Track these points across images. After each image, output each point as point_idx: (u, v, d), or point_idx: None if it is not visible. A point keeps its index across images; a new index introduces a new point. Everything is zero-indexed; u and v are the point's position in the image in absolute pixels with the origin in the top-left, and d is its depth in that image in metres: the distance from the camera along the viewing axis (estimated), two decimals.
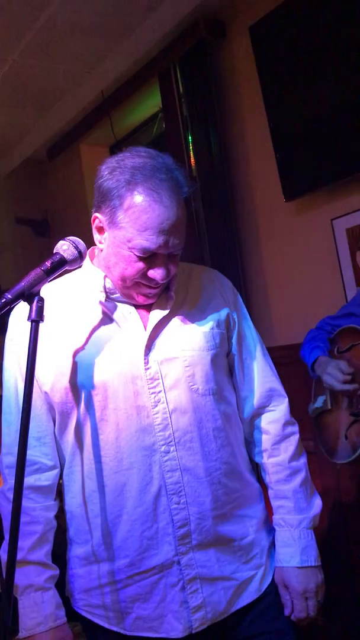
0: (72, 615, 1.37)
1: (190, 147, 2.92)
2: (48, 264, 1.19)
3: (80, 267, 1.31)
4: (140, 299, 1.31)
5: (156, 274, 1.25)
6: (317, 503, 1.42)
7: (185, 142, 2.95)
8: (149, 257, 1.24)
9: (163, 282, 1.28)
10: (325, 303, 2.52)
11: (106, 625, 1.31)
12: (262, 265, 2.79)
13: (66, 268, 1.24)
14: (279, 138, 2.53)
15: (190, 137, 2.92)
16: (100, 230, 1.28)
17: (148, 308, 1.34)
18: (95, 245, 1.34)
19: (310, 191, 2.47)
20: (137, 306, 1.34)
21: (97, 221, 1.28)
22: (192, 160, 2.90)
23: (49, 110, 3.57)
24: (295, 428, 1.46)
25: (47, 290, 1.33)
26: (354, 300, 2.05)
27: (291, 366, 2.60)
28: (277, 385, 1.47)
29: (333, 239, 2.43)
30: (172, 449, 1.29)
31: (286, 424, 1.45)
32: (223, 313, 1.42)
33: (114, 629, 1.31)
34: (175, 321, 1.35)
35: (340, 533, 2.46)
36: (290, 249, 2.65)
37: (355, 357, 1.88)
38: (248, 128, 2.79)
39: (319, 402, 1.98)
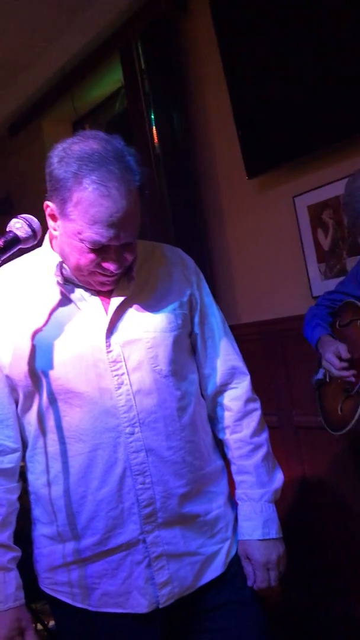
0: (40, 594, 1.39)
1: (153, 124, 2.89)
2: (1, 242, 1.18)
3: (37, 245, 1.30)
4: (98, 287, 1.31)
5: (110, 265, 1.25)
6: (279, 477, 1.46)
7: (147, 119, 2.91)
8: (101, 249, 1.24)
9: (119, 272, 1.28)
10: (287, 280, 2.55)
11: (71, 602, 1.34)
12: (226, 243, 2.80)
13: (20, 247, 1.22)
14: (241, 115, 2.52)
15: (152, 114, 2.89)
16: (53, 217, 1.28)
17: (109, 291, 1.34)
18: None
19: (272, 168, 2.47)
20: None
21: (49, 209, 1.27)
22: (155, 137, 2.87)
23: (8, 86, 3.48)
24: (257, 404, 1.49)
25: (5, 271, 1.33)
26: (348, 280, 2.03)
27: (255, 343, 2.65)
28: (239, 363, 1.50)
29: (295, 216, 2.45)
30: (136, 430, 1.31)
31: (248, 400, 1.48)
32: (185, 293, 1.43)
33: (79, 605, 1.33)
34: (137, 303, 1.36)
35: (303, 505, 2.53)
36: (254, 226, 2.67)
37: (355, 332, 1.88)
38: (211, 105, 2.77)
39: (320, 374, 2.00)
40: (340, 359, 1.78)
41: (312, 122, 2.28)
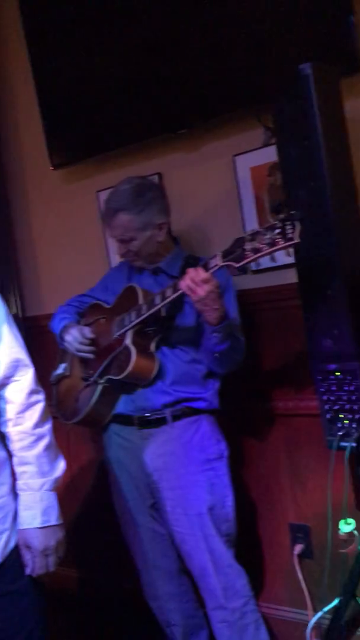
0: None
1: None
2: None
3: None
4: None
5: None
6: (60, 466, 1.50)
7: None
8: None
9: None
10: (91, 272, 2.59)
11: None
12: (32, 233, 2.78)
13: None
14: (46, 105, 2.50)
15: None
16: None
17: None
18: None
19: (77, 161, 2.50)
20: None
21: None
22: None
23: None
24: (41, 396, 1.52)
25: None
26: (98, 286, 2.23)
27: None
28: (22, 355, 1.51)
29: (98, 210, 2.50)
30: None
31: (31, 392, 1.49)
32: None
33: None
34: None
35: (98, 487, 2.61)
36: (59, 217, 2.68)
37: (97, 328, 2.04)
38: (17, 90, 2.72)
39: (60, 368, 2.12)
40: (83, 336, 1.99)
41: (118, 118, 2.34)
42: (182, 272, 1.90)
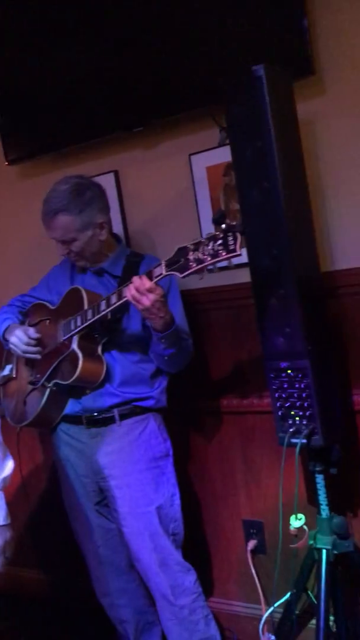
0: None
1: None
2: None
3: None
4: None
5: None
6: (8, 465, 1.49)
7: None
8: None
9: None
10: (45, 269, 2.57)
11: None
12: None
13: None
14: (1, 100, 2.46)
15: None
16: None
17: None
18: None
19: (32, 157, 2.47)
20: None
21: None
22: None
23: None
24: None
25: None
26: (40, 286, 2.22)
27: None
28: None
29: None
30: None
31: None
32: None
33: None
34: None
35: (53, 488, 2.59)
36: (14, 214, 2.64)
37: (42, 330, 2.03)
38: None
39: (6, 370, 2.11)
40: (29, 337, 1.96)
41: (74, 116, 2.32)
42: (125, 272, 1.88)
